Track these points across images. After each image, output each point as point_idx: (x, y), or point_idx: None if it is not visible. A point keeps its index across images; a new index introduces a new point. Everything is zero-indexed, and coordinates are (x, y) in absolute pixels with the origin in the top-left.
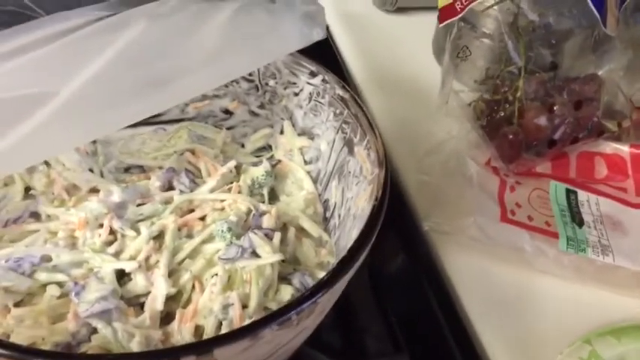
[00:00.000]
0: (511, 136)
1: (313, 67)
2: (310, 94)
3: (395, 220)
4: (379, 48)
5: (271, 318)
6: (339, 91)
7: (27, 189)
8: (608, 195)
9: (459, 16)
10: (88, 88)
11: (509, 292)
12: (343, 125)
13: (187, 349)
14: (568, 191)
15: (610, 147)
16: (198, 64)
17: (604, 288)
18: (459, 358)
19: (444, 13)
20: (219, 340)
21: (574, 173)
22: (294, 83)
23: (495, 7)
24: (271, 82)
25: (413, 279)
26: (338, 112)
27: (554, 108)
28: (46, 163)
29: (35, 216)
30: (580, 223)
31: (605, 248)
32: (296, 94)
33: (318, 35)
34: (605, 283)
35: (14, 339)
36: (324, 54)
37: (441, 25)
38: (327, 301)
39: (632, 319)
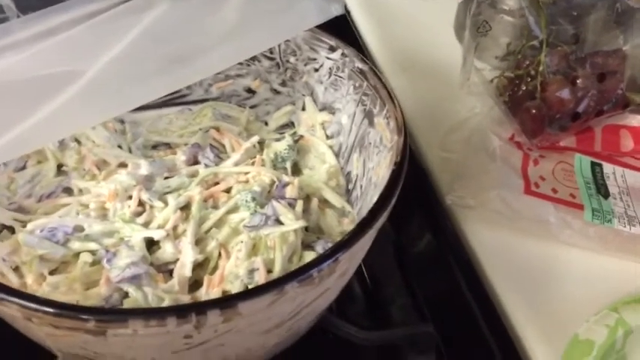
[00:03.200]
0: (534, 111)
1: (332, 42)
2: (330, 68)
3: (419, 197)
4: (400, 29)
5: (293, 275)
6: (358, 64)
7: (59, 166)
8: (635, 167)
9: None
10: (115, 66)
11: (534, 264)
12: (363, 97)
13: (214, 303)
14: (593, 164)
15: (636, 119)
16: (219, 41)
17: (630, 258)
18: (485, 330)
19: None
20: (244, 295)
21: (599, 146)
22: (314, 59)
23: None
24: (292, 59)
25: (438, 254)
26: (357, 84)
27: (577, 81)
28: (77, 140)
29: (68, 191)
30: (606, 194)
31: (632, 219)
32: (316, 70)
33: (336, 10)
34: (631, 253)
35: None
36: (344, 36)
37: (461, 1)
38: (347, 261)
39: None
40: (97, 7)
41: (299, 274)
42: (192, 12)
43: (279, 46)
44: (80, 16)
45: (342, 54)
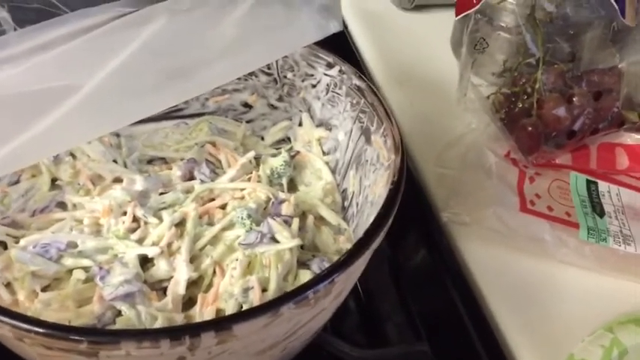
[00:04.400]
0: (530, 128)
1: (330, 59)
2: (327, 85)
3: (415, 213)
4: (397, 45)
5: (289, 296)
6: (356, 81)
7: (53, 180)
8: (630, 186)
9: (476, 8)
10: (112, 81)
11: (529, 282)
12: (360, 115)
13: (208, 325)
14: (589, 182)
15: (631, 138)
16: (217, 57)
17: (626, 277)
18: (480, 348)
19: (461, 6)
20: (239, 317)
21: (595, 164)
22: (312, 75)
23: (512, 0)
24: (289, 75)
25: (433, 271)
26: (355, 101)
27: (573, 99)
28: (72, 154)
29: (61, 206)
30: (601, 213)
31: (627, 238)
32: (313, 86)
33: (334, 27)
34: (626, 272)
35: None
36: (342, 52)
37: (458, 17)
38: (343, 282)
39: None
40: (94, 21)
41: (295, 295)
42: (191, 26)
43: (276, 61)
44: (77, 30)
45: (340, 70)
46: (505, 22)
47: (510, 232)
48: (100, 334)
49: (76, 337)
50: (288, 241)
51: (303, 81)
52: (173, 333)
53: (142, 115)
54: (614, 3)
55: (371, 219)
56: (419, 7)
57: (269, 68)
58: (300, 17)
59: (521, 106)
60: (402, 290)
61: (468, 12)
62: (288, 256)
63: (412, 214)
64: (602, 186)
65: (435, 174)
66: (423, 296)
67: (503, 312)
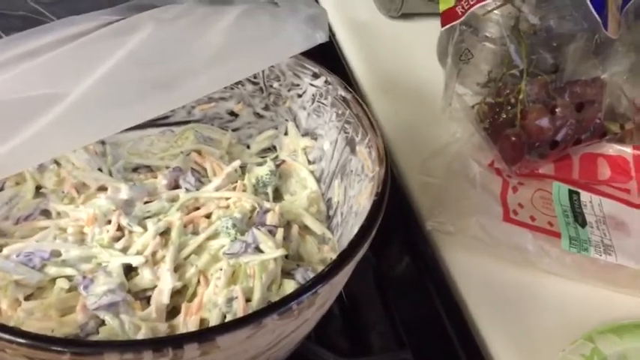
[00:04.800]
0: (513, 138)
1: (316, 69)
2: (313, 95)
3: (399, 221)
4: (384, 53)
5: (273, 308)
6: (342, 92)
7: (38, 187)
8: (612, 196)
9: (461, 20)
10: (97, 89)
11: (511, 291)
12: (345, 125)
13: (191, 336)
14: (571, 192)
15: (613, 149)
16: (203, 66)
17: (606, 287)
18: (462, 357)
19: (446, 17)
20: (222, 328)
21: (577, 174)
22: (298, 85)
23: (497, 11)
24: (275, 84)
25: (417, 279)
26: (340, 112)
27: (556, 110)
28: (56, 162)
29: (45, 213)
30: (583, 223)
31: (608, 248)
32: (299, 96)
33: (321, 38)
34: (607, 281)
35: None
36: (329, 60)
37: (443, 28)
38: (327, 292)
39: (633, 317)
40: (80, 29)
41: (278, 306)
42: (177, 36)
43: (262, 70)
44: (63, 38)
45: (326, 81)
46: (490, 33)
47: (493, 241)
48: (83, 346)
49: (59, 349)
50: (272, 251)
51: (289, 90)
52: (156, 344)
53: (128, 124)
54: (597, 16)
55: (355, 229)
56: (405, 16)
57: (255, 77)
58: (286, 27)
59: (505, 116)
60: (386, 299)
61: (454, 23)
62: (272, 265)
63: (396, 222)
64: (584, 196)
65: (419, 182)
66: (407, 305)
67: (485, 321)
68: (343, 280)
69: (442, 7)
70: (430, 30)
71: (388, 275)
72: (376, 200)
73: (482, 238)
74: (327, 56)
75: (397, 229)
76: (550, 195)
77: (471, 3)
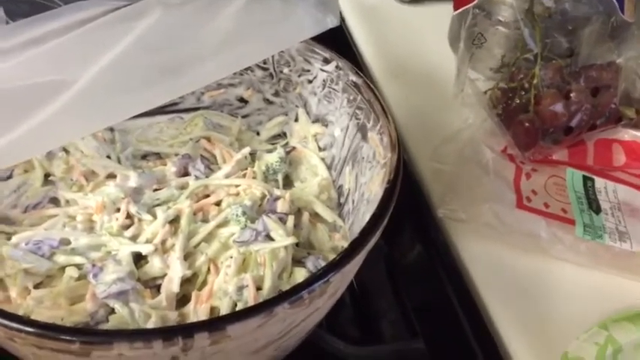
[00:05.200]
0: (527, 124)
1: (327, 54)
2: (324, 81)
3: (411, 209)
4: (395, 39)
5: (284, 296)
6: (353, 77)
7: (46, 175)
8: (627, 182)
9: (474, 3)
10: (105, 76)
11: (524, 279)
12: (356, 111)
13: (201, 325)
14: (585, 178)
15: (628, 134)
16: (212, 52)
17: (621, 274)
18: (475, 345)
19: (459, 0)
20: (232, 317)
21: (591, 160)
22: (308, 70)
23: None
24: (285, 70)
25: (429, 267)
26: (351, 98)
27: (571, 95)
28: (65, 149)
29: (54, 201)
30: (597, 210)
31: (623, 235)
32: (310, 82)
33: (332, 22)
34: (622, 269)
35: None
36: (339, 45)
37: (456, 12)
38: (338, 281)
39: None
40: (88, 15)
41: (289, 295)
42: (186, 21)
43: (272, 56)
44: (71, 24)
45: (337, 66)
46: (503, 17)
47: (506, 228)
48: (92, 335)
49: (68, 338)
50: (283, 239)
51: (299, 76)
52: (166, 334)
53: (136, 111)
54: None
55: (367, 217)
56: (417, 0)
57: (265, 63)
58: (296, 11)
59: (518, 101)
60: (397, 286)
61: (467, 7)
62: (283, 253)
63: (407, 209)
64: (599, 182)
65: (430, 169)
66: (419, 293)
67: (498, 309)
68: (355, 268)
69: None
70: (441, 14)
71: (399, 263)
72: (388, 188)
73: (494, 225)
74: (337, 41)
75: (408, 216)
76: (564, 181)
77: None
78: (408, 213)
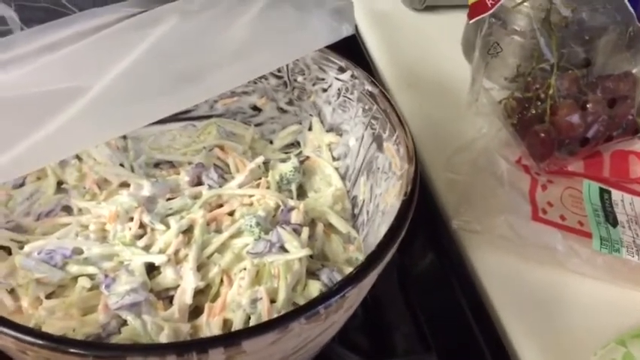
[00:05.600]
0: (543, 134)
1: (342, 63)
2: (339, 89)
3: (424, 219)
4: (408, 46)
5: (300, 311)
6: (368, 87)
7: (59, 183)
8: None
9: (490, 12)
10: (120, 83)
11: (540, 292)
12: (372, 121)
13: (216, 340)
14: (602, 190)
15: None
16: (227, 60)
17: (638, 289)
18: (489, 358)
19: (475, 9)
20: (248, 333)
21: (608, 172)
22: (323, 79)
23: (527, 3)
24: (300, 79)
25: (442, 278)
26: (367, 107)
27: (588, 106)
28: (78, 157)
29: (67, 209)
30: (614, 222)
31: None
32: (324, 90)
33: (347, 31)
34: (639, 283)
35: (46, 330)
36: (352, 53)
37: (472, 21)
38: (355, 296)
39: None
40: (103, 21)
41: (305, 310)
42: (201, 29)
43: (287, 64)
44: (86, 30)
45: (352, 75)
46: (519, 26)
47: (522, 240)
48: (105, 349)
49: (81, 352)
50: (297, 251)
51: (313, 85)
52: (180, 348)
53: (151, 120)
54: (631, 8)
55: (382, 228)
56: (430, 8)
57: (279, 71)
58: (311, 20)
59: (534, 111)
60: (410, 298)
61: (483, 15)
62: (297, 266)
63: (421, 220)
64: (616, 195)
65: (444, 179)
66: (432, 304)
67: (513, 322)
68: (371, 282)
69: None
70: (454, 22)
71: (412, 274)
72: (405, 200)
73: (510, 237)
74: (350, 49)
75: (422, 226)
76: (580, 193)
77: None
78: (422, 223)
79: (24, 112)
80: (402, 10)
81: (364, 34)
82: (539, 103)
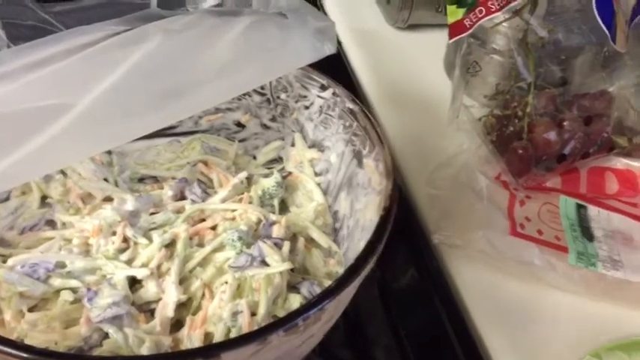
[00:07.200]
0: (521, 151)
1: (324, 81)
2: (321, 107)
3: (405, 234)
4: (391, 64)
5: (278, 324)
6: (349, 104)
7: (43, 197)
8: (620, 210)
9: (468, 32)
10: (105, 100)
11: (518, 306)
12: (353, 138)
13: (196, 353)
14: (578, 206)
15: (621, 162)
16: (211, 77)
17: (614, 303)
18: None
19: (454, 30)
20: (227, 345)
21: (584, 188)
22: (305, 96)
23: (505, 24)
24: (283, 96)
25: (422, 293)
26: (347, 124)
27: (564, 123)
28: (63, 172)
29: (51, 224)
30: (590, 237)
31: (616, 263)
32: (307, 107)
33: (329, 50)
34: (615, 297)
35: (28, 343)
36: (336, 70)
37: (451, 41)
38: (333, 308)
39: None
40: (89, 39)
41: (284, 323)
42: (185, 47)
43: (270, 82)
44: (72, 48)
45: (334, 93)
46: (498, 45)
47: (500, 255)
48: None
49: None
50: (278, 264)
51: (296, 102)
52: None
53: (135, 136)
54: (606, 29)
55: (362, 243)
56: (412, 27)
57: (263, 88)
58: (294, 39)
59: (512, 129)
60: (391, 313)
61: (461, 36)
62: (278, 279)
63: (402, 234)
64: (592, 210)
65: (426, 195)
66: (413, 319)
67: (492, 336)
68: (350, 295)
69: (450, 20)
70: (437, 41)
71: (393, 288)
72: (383, 215)
73: (488, 252)
74: (334, 66)
75: (403, 242)
76: (557, 209)
77: (479, 16)
78: (402, 238)
79: (10, 129)
80: (385, 28)
81: (348, 51)
82: (517, 120)
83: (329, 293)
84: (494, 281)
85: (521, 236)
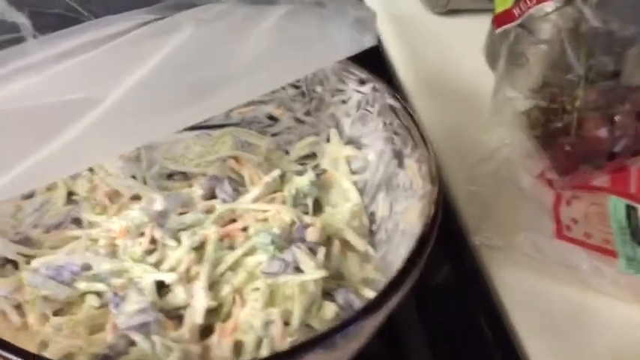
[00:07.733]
0: (568, 148)
1: (363, 75)
2: (359, 102)
3: (443, 233)
4: (429, 51)
5: (316, 341)
6: (390, 101)
7: (70, 194)
8: None
9: (517, 22)
10: (134, 94)
11: (562, 312)
12: (393, 136)
13: None
14: (628, 207)
15: None
16: (244, 71)
17: None
18: None
19: (501, 18)
20: None
21: (634, 188)
22: (342, 91)
23: (555, 13)
24: (318, 89)
25: (460, 295)
26: (388, 122)
27: (616, 119)
28: (90, 168)
29: (77, 222)
30: None
31: None
32: (344, 102)
33: (369, 42)
34: None
35: (52, 348)
36: (371, 56)
37: (497, 31)
38: (373, 323)
39: None
40: (117, 30)
41: (321, 339)
42: (217, 38)
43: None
44: (100, 38)
45: (373, 88)
46: (546, 35)
47: (545, 259)
48: None
49: None
50: (313, 272)
51: (332, 96)
52: None
53: (166, 132)
54: None
55: (402, 249)
56: (452, 12)
57: (297, 81)
58: (332, 30)
59: (559, 124)
60: (426, 316)
61: (509, 25)
62: (312, 287)
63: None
64: None
65: (465, 192)
66: (450, 323)
67: (533, 342)
68: (391, 308)
69: (498, 9)
70: (478, 27)
71: (430, 291)
72: (428, 223)
73: (533, 255)
74: (370, 53)
75: (440, 241)
76: (606, 210)
77: (530, 4)
78: (440, 238)
79: (34, 124)
80: (423, 13)
81: (385, 38)
82: (564, 115)
83: (369, 309)
84: (536, 285)
85: (568, 239)
